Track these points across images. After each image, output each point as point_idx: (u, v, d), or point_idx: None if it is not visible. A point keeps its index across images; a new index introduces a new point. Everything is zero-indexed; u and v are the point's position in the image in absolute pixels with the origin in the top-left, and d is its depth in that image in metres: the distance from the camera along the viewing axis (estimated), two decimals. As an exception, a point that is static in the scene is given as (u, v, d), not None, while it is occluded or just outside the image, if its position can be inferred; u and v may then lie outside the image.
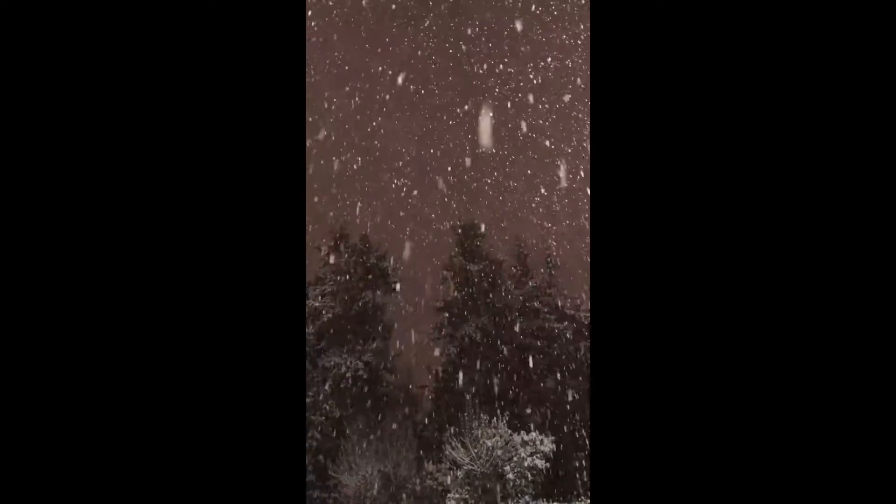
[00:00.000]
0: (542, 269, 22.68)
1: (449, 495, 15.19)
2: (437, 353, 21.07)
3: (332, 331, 20.56)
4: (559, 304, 21.90)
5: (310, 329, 20.62)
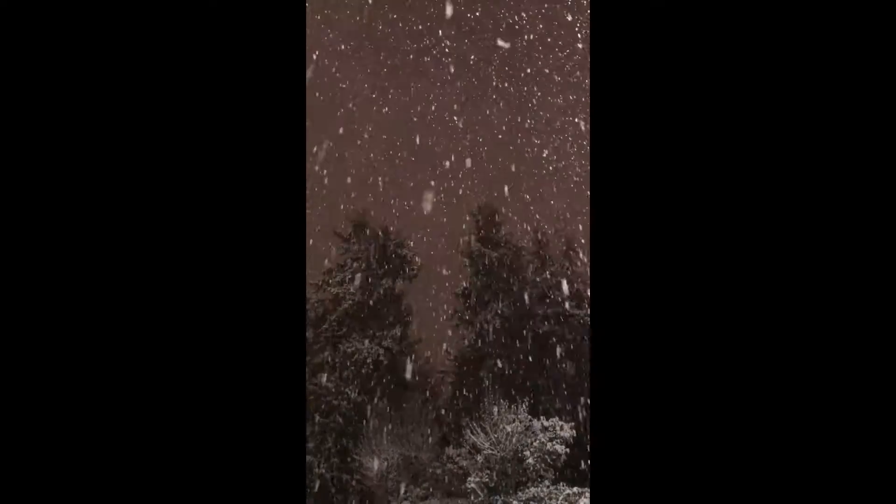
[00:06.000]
0: (561, 256, 22.57)
1: (469, 479, 15.36)
2: (456, 339, 21.20)
3: (352, 317, 20.81)
4: (578, 291, 21.78)
5: (331, 316, 20.91)
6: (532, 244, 22.85)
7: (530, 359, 20.19)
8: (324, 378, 19.67)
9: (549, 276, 21.94)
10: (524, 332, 20.57)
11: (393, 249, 21.84)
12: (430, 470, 17.37)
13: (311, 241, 22.11)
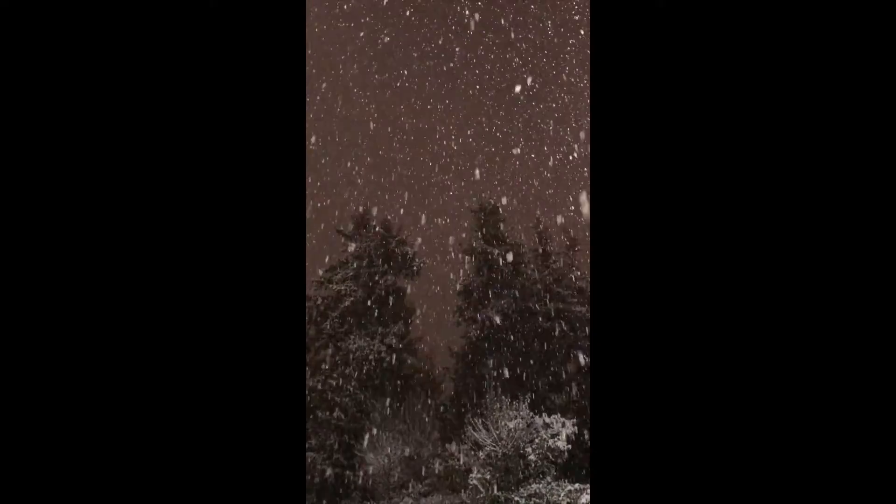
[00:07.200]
0: (562, 251, 22.57)
1: (471, 475, 15.40)
2: (458, 335, 21.25)
3: (354, 314, 20.86)
4: (581, 287, 21.79)
5: (333, 312, 20.96)
6: (533, 241, 22.87)
7: (532, 355, 20.21)
8: (325, 375, 19.72)
9: (550, 273, 21.95)
10: (526, 328, 20.59)
11: (395, 246, 21.88)
12: (432, 466, 17.43)
13: (313, 239, 22.18)
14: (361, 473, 18.03)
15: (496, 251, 21.43)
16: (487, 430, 15.46)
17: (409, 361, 20.68)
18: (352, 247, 22.02)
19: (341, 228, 22.57)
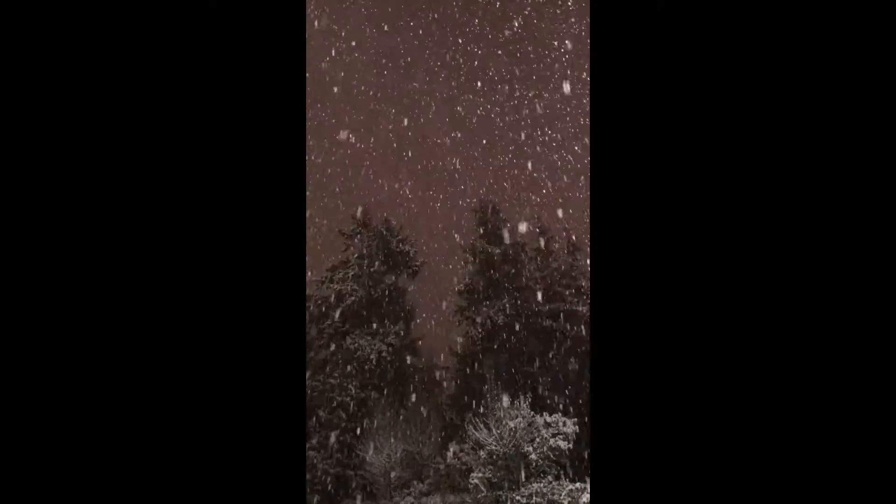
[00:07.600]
0: (564, 251, 22.58)
1: (472, 474, 15.42)
2: (459, 335, 21.26)
3: (354, 314, 20.89)
4: (581, 286, 21.80)
5: (334, 312, 21.00)
6: (534, 240, 22.88)
7: (533, 355, 20.22)
8: (326, 374, 19.75)
9: (551, 272, 21.96)
10: (527, 327, 20.60)
11: (396, 246, 21.90)
12: (434, 466, 17.44)
13: (314, 238, 22.21)
14: (362, 472, 18.04)
15: (497, 250, 21.44)
16: (488, 429, 15.47)
17: (409, 361, 20.70)
18: (352, 246, 22.04)
19: (342, 227, 22.61)
